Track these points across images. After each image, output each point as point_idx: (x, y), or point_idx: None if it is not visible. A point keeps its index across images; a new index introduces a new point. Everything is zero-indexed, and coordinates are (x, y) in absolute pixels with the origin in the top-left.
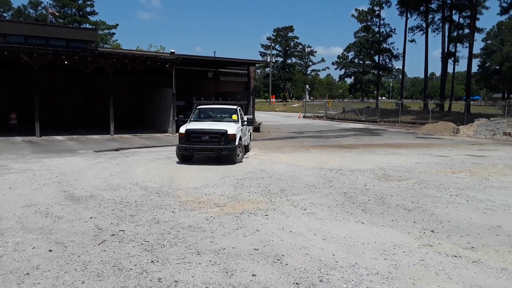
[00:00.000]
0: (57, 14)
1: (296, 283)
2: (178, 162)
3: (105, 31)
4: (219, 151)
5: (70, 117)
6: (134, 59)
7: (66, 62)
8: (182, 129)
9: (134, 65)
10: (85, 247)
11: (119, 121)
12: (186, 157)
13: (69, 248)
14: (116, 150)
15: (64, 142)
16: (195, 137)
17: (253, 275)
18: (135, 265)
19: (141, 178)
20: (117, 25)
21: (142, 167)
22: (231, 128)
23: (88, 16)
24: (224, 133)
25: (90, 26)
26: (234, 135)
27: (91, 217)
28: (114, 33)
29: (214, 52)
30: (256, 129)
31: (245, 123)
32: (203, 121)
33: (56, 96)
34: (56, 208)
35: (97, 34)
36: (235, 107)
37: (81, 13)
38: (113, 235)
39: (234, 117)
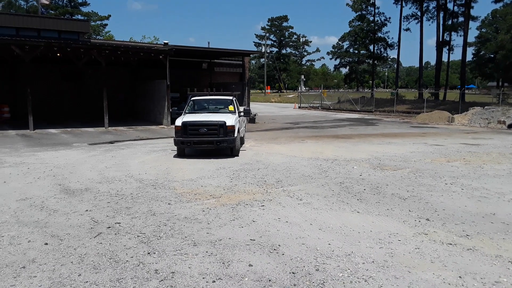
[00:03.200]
0: (47, 3)
1: (293, 273)
2: (174, 156)
3: (98, 22)
4: (218, 143)
5: (64, 109)
6: (127, 51)
7: (58, 54)
8: (178, 122)
9: (128, 57)
10: (81, 240)
11: (113, 113)
12: (183, 151)
13: (65, 241)
14: (111, 142)
15: (58, 135)
16: (192, 130)
17: (250, 265)
18: (132, 257)
19: (136, 171)
20: (110, 16)
21: (137, 160)
22: (230, 119)
23: (80, 7)
24: (222, 125)
25: (82, 18)
26: (233, 127)
27: (86, 210)
28: (106, 24)
29: (208, 43)
30: (252, 120)
31: (242, 114)
32: (198, 113)
33: (49, 88)
34: (51, 201)
35: (89, 26)
36: (230, 97)
37: (72, 4)
38: (109, 227)
39: (231, 108)
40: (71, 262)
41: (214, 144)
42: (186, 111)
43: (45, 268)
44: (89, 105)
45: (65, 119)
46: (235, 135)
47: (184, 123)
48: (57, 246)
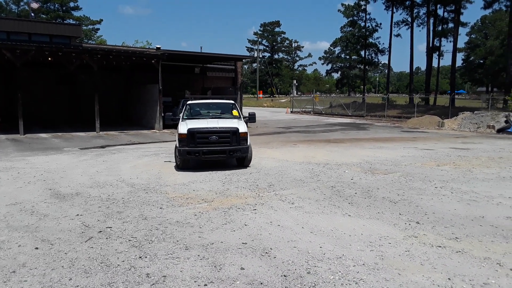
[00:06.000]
0: (36, 7)
1: (284, 275)
2: (177, 168)
3: (89, 26)
4: (230, 153)
5: (55, 114)
6: (119, 55)
7: (50, 59)
8: (183, 129)
9: (120, 61)
10: (72, 244)
11: (105, 118)
12: (188, 162)
13: (56, 245)
14: (102, 147)
15: (49, 139)
16: (201, 138)
17: (242, 268)
18: (123, 261)
19: (128, 175)
20: (101, 20)
21: (129, 164)
22: (241, 125)
23: (72, 12)
24: (235, 132)
25: (74, 22)
26: (246, 134)
27: (77, 215)
28: (98, 29)
29: (201, 48)
30: None
31: (247, 119)
32: (199, 118)
33: (40, 93)
34: (41, 206)
35: (81, 30)
36: (231, 101)
37: (64, 8)
38: (100, 232)
39: (235, 112)
40: (62, 267)
41: (227, 154)
42: (184, 117)
43: (35, 273)
44: (81, 109)
45: (57, 124)
46: (248, 143)
47: (191, 131)
48: (47, 251)
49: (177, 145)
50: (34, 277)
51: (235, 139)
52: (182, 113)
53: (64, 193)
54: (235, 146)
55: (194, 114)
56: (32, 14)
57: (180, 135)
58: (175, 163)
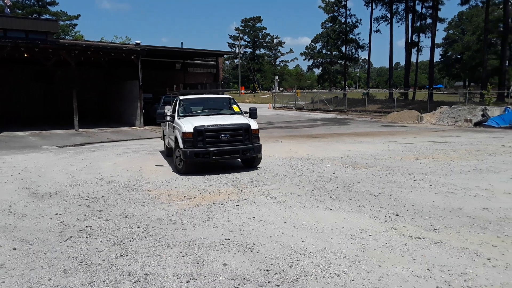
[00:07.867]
0: (9, 4)
1: (267, 270)
2: (175, 172)
3: (67, 22)
4: (244, 152)
5: (32, 111)
6: (98, 51)
7: (26, 55)
8: (188, 127)
9: (98, 57)
10: (51, 244)
11: (84, 115)
12: (193, 165)
13: (34, 245)
14: (81, 145)
15: (26, 137)
16: (211, 137)
17: (224, 264)
18: (104, 260)
19: (108, 173)
20: (79, 15)
21: (109, 162)
22: (252, 121)
23: (48, 7)
24: (248, 129)
25: (51, 17)
26: (257, 131)
27: (56, 214)
28: (76, 24)
29: (182, 43)
30: None
31: (249, 115)
32: (198, 115)
33: (16, 90)
34: (19, 205)
35: (58, 25)
36: (229, 96)
37: (40, 3)
38: (80, 231)
39: (236, 108)
40: (41, 267)
41: (240, 154)
42: (181, 114)
43: (13, 273)
44: (59, 106)
45: (34, 121)
46: (259, 141)
47: (198, 129)
48: (26, 251)
49: (181, 147)
50: (12, 278)
51: (247, 137)
52: (176, 110)
53: (42, 192)
54: (248, 144)
55: (189, 111)
56: (8, 10)
57: (184, 134)
58: (173, 168)
